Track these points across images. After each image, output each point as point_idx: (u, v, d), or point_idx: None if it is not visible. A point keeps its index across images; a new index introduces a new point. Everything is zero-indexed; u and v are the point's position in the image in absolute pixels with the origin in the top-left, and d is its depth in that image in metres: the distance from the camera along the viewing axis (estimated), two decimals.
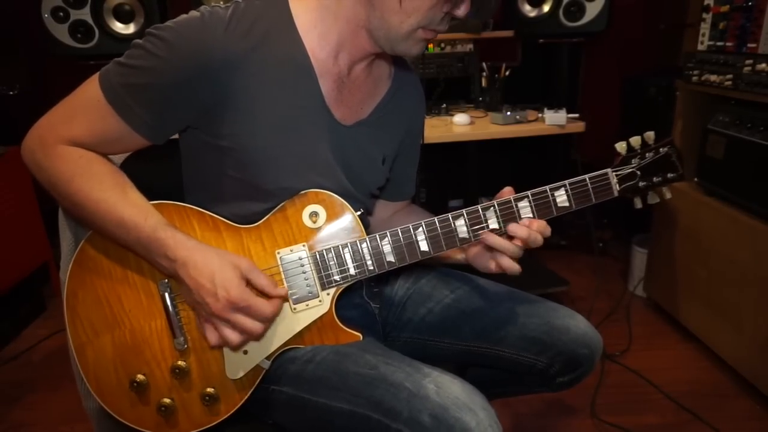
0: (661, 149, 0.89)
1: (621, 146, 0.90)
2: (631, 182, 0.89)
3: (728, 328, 1.82)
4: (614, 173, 0.89)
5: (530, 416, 1.72)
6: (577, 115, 2.08)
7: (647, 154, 0.89)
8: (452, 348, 1.05)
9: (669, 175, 0.90)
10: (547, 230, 0.90)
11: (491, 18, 2.34)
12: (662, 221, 2.15)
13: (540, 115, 2.04)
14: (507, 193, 0.91)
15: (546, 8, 2.23)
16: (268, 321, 0.84)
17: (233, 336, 0.83)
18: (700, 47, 1.87)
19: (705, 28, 1.84)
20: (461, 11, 0.85)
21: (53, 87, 2.83)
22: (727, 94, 1.77)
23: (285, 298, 0.88)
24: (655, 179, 0.89)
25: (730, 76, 1.72)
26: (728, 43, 1.75)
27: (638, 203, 0.93)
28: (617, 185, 0.90)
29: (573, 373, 1.01)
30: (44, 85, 2.87)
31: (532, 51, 2.61)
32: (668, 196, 0.92)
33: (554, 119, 1.95)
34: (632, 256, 2.42)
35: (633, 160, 0.90)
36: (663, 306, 2.21)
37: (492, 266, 0.94)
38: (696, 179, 1.97)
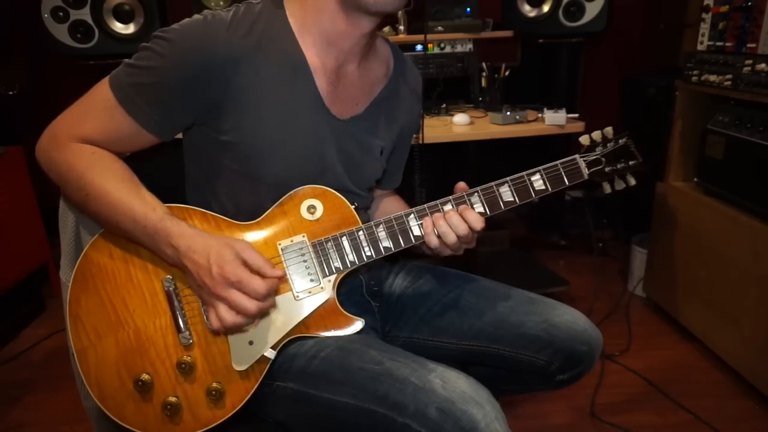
0: (619, 140, 1.00)
1: (585, 139, 1.01)
2: (599, 167, 0.99)
3: (728, 328, 1.82)
4: (582, 159, 0.99)
5: (530, 416, 1.72)
6: (576, 115, 2.07)
7: (608, 144, 1.00)
8: (452, 347, 1.06)
9: (631, 163, 1.00)
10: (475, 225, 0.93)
11: None
12: (662, 221, 2.15)
13: (540, 115, 2.04)
14: (461, 189, 0.96)
15: (545, 8, 2.23)
16: (263, 299, 0.83)
17: (228, 315, 0.82)
18: (699, 47, 1.87)
19: (705, 28, 1.84)
20: None
21: (53, 87, 2.85)
22: (726, 94, 1.78)
23: (281, 280, 0.89)
24: (619, 165, 1.00)
25: (729, 76, 1.72)
26: (728, 43, 1.75)
27: (607, 188, 1.02)
28: (586, 169, 0.98)
29: (573, 371, 1.01)
30: (44, 85, 2.87)
31: (531, 51, 2.61)
32: (632, 182, 1.01)
33: (554, 119, 1.94)
34: (632, 256, 2.42)
35: (597, 149, 1.00)
36: (662, 306, 2.21)
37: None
38: (696, 179, 1.97)
